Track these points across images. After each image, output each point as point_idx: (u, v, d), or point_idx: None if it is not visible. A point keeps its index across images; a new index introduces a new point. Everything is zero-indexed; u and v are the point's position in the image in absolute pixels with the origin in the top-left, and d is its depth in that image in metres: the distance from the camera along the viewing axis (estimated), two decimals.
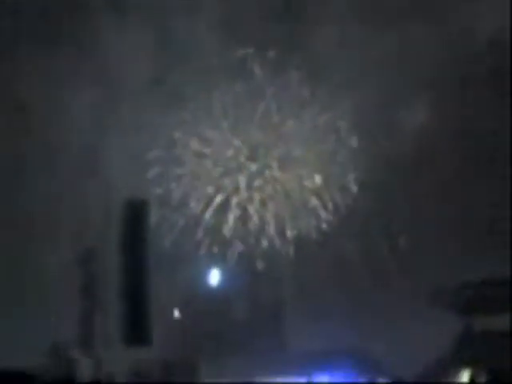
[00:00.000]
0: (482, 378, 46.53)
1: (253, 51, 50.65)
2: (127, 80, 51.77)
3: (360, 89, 50.55)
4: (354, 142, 50.54)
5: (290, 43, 51.55)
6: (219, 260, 50.99)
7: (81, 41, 52.31)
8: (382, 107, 51.12)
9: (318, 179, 50.10)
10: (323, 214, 50.20)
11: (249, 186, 50.75)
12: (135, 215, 50.08)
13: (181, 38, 51.86)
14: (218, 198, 50.53)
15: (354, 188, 50.12)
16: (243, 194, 50.62)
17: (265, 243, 50.47)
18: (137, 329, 44.08)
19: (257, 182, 50.80)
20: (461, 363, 48.44)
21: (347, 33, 51.90)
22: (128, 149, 50.60)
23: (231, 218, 50.45)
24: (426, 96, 52.58)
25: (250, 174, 50.86)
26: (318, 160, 50.42)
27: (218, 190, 50.64)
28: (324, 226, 50.09)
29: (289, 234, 50.35)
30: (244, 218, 50.47)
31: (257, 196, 50.68)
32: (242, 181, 50.69)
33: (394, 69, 51.73)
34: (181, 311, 53.78)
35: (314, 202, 50.25)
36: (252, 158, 51.14)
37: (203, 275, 52.39)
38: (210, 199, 50.56)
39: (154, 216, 49.32)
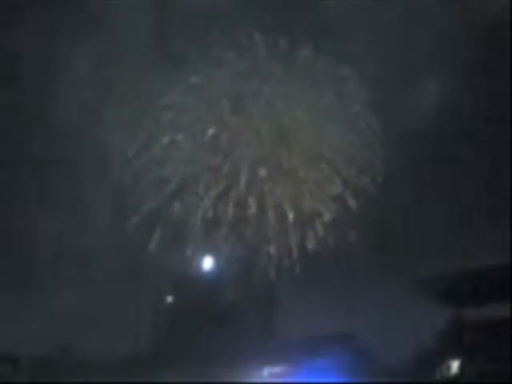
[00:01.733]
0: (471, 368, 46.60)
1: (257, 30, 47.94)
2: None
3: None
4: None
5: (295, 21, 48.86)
6: (214, 247, 49.24)
7: None
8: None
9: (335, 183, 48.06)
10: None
11: (251, 174, 48.21)
12: None
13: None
14: (217, 186, 48.15)
15: (370, 188, 48.33)
16: (243, 181, 48.14)
17: (260, 232, 48.60)
18: None
19: (260, 171, 48.19)
20: (450, 353, 48.01)
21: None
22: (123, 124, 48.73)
23: (230, 205, 48.23)
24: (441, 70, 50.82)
25: (252, 161, 48.23)
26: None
27: (217, 177, 48.19)
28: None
29: (288, 225, 48.44)
30: (243, 206, 48.26)
31: (258, 184, 48.28)
32: (244, 169, 48.09)
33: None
34: (174, 296, 52.86)
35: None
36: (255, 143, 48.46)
37: (197, 261, 50.85)
38: (208, 186, 48.21)
39: (149, 201, 47.84)
